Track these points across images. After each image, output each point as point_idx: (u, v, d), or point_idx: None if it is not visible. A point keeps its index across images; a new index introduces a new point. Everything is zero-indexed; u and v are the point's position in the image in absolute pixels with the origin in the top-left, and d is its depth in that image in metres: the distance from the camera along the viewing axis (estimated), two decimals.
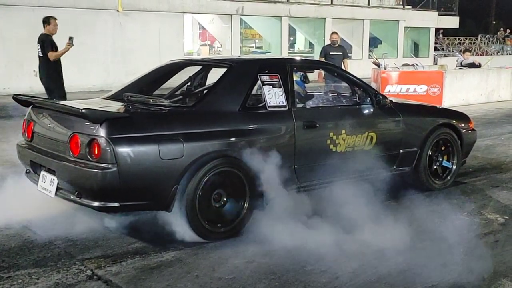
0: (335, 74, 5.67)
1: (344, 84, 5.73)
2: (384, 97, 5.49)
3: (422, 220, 4.68)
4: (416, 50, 28.89)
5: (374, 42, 26.66)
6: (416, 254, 3.94)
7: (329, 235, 4.17)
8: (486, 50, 31.39)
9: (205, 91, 5.05)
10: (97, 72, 16.84)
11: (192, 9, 19.54)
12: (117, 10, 17.43)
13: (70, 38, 8.28)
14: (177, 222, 4.15)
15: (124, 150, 3.85)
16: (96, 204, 3.92)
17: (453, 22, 29.03)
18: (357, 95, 5.39)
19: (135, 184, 3.93)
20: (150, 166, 3.94)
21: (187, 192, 4.08)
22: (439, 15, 27.72)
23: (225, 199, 4.33)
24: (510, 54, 31.58)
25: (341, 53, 11.09)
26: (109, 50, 17.39)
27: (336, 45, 11.19)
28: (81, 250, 4.07)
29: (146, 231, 4.37)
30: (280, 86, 4.76)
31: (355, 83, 5.43)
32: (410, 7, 26.76)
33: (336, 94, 5.85)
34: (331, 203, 4.60)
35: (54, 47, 8.34)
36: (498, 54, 30.75)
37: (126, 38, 17.65)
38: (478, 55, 28.01)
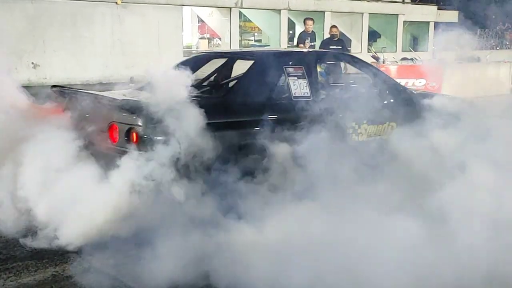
0: (357, 65, 5.82)
1: (365, 75, 5.86)
2: (404, 88, 5.63)
3: None
4: (415, 44, 28.81)
5: (373, 36, 26.55)
6: None
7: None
8: (485, 44, 31.29)
9: (232, 83, 5.24)
10: (96, 65, 16.74)
11: (191, 2, 19.44)
12: (116, 3, 17.32)
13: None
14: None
15: (160, 138, 4.05)
16: None
17: (452, 16, 28.96)
18: (378, 86, 5.50)
19: None
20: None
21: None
22: (438, 9, 27.64)
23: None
24: (509, 48, 31.50)
25: (340, 47, 11.08)
26: (108, 42, 17.30)
27: (336, 39, 11.20)
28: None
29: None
30: (305, 78, 4.92)
31: (376, 74, 5.58)
32: (409, 1, 26.66)
33: (358, 85, 5.97)
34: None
35: (302, 42, 10.87)
36: (497, 48, 30.69)
37: (124, 31, 17.56)
38: (477, 49, 27.93)
